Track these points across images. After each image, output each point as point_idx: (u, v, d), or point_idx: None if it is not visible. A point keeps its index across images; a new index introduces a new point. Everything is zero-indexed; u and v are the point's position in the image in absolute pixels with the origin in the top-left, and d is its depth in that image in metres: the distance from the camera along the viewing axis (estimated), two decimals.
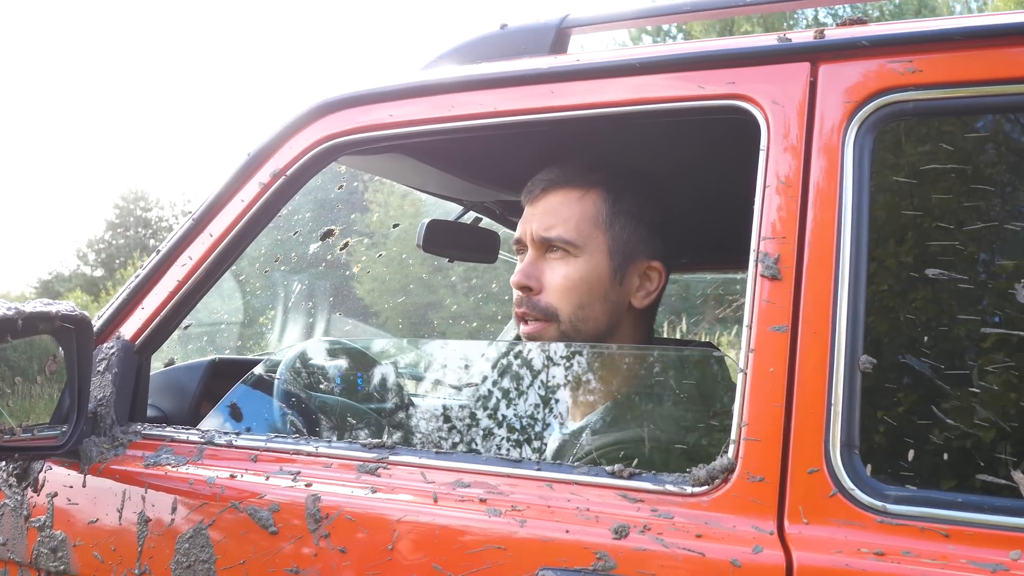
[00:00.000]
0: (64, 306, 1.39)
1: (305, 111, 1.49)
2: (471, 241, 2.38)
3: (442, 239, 2.28)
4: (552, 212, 1.50)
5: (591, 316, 1.47)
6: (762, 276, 1.13)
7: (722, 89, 1.23)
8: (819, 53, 1.19)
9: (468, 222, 2.41)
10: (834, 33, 1.20)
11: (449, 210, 2.41)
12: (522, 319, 1.50)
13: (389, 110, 1.44)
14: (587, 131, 1.53)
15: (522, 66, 1.36)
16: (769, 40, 1.23)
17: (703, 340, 1.76)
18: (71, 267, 42.80)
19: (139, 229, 41.83)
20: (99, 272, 40.74)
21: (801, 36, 1.22)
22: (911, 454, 1.05)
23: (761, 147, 1.19)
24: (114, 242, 41.80)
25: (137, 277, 1.57)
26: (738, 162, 1.71)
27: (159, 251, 1.57)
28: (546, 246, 1.50)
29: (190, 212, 1.57)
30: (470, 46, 1.51)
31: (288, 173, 1.49)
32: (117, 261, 38.66)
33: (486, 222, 2.47)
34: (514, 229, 2.51)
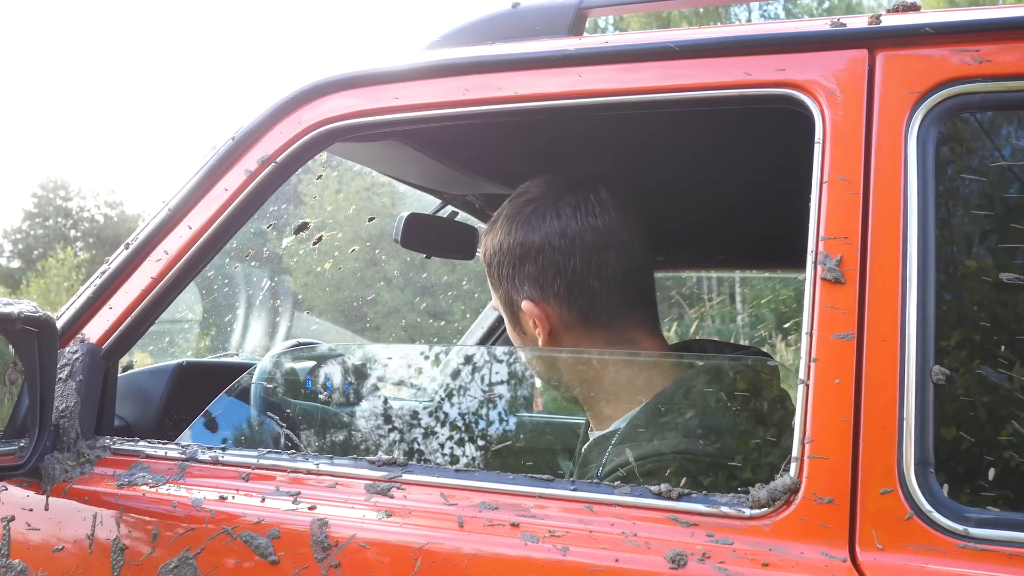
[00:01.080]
0: (25, 306, 1.23)
1: (298, 91, 1.35)
2: (449, 237, 2.26)
3: (420, 235, 2.15)
4: None
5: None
6: (823, 279, 1.04)
7: (771, 76, 1.13)
8: (877, 40, 1.11)
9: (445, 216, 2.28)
10: (892, 19, 1.12)
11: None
12: None
13: (395, 92, 1.31)
14: (614, 119, 1.42)
15: (546, 47, 1.25)
16: (821, 25, 1.14)
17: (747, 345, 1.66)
18: None
19: (59, 219, 40.36)
20: (16, 263, 39.15)
21: (856, 21, 1.13)
22: (991, 473, 0.98)
23: (816, 140, 1.10)
24: (32, 232, 40.25)
25: (103, 274, 1.41)
26: (770, 154, 1.65)
27: (128, 245, 1.41)
28: None
29: (164, 202, 1.41)
30: (479, 25, 1.39)
31: (278, 160, 1.35)
32: (36, 252, 37.22)
33: (463, 216, 2.35)
34: None
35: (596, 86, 1.21)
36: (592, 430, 1.41)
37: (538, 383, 3.35)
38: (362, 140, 1.52)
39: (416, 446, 1.40)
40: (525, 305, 1.37)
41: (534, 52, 1.24)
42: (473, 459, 1.31)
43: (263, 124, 1.37)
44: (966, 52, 1.06)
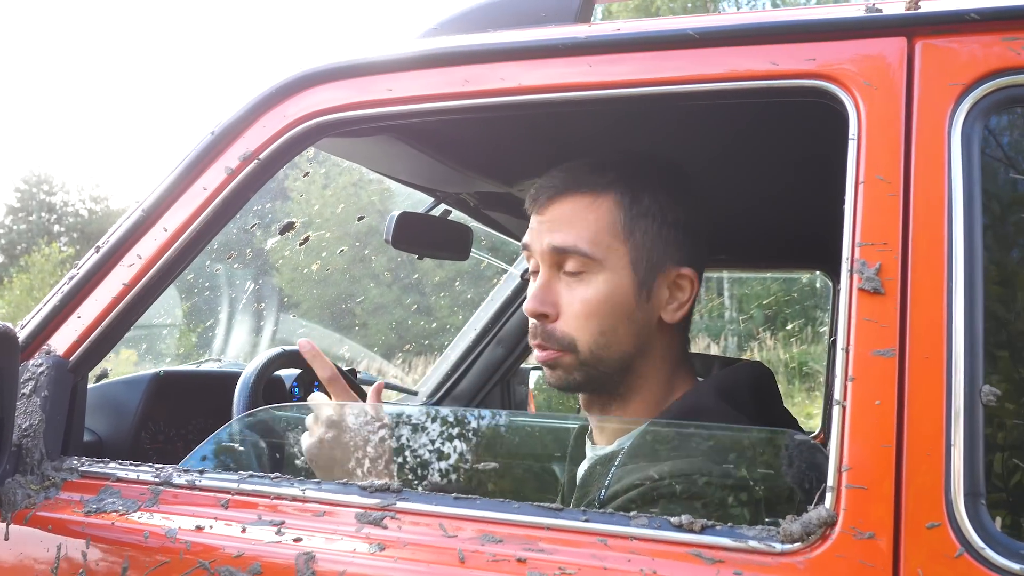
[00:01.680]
0: None
1: (283, 83, 1.25)
2: (442, 237, 2.15)
3: (412, 234, 2.04)
4: (563, 223, 1.26)
5: (614, 341, 1.25)
6: (860, 290, 0.95)
7: (800, 66, 1.04)
8: (916, 27, 1.01)
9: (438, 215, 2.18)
10: (933, 4, 1.02)
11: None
12: (537, 348, 1.29)
13: (389, 83, 1.20)
14: (626, 114, 1.33)
15: (553, 35, 1.15)
16: (855, 10, 1.05)
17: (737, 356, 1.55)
18: None
19: (42, 214, 39.97)
20: None
21: (893, 7, 1.04)
22: None
23: (850, 136, 1.00)
24: (15, 227, 39.84)
25: (71, 279, 1.30)
26: (798, 150, 1.55)
27: (99, 249, 1.30)
28: (560, 263, 1.26)
29: (138, 202, 1.31)
30: (479, 11, 1.29)
31: (261, 157, 1.25)
32: (19, 247, 36.85)
33: (456, 215, 2.25)
34: (489, 224, 2.31)
35: (607, 78, 1.11)
36: (593, 445, 1.32)
37: (532, 383, 3.26)
38: (352, 135, 1.42)
39: (412, 468, 1.30)
40: (687, 270, 1.29)
41: (539, 40, 1.14)
42: (471, 478, 1.21)
43: (245, 118, 1.26)
44: (1015, 40, 0.97)
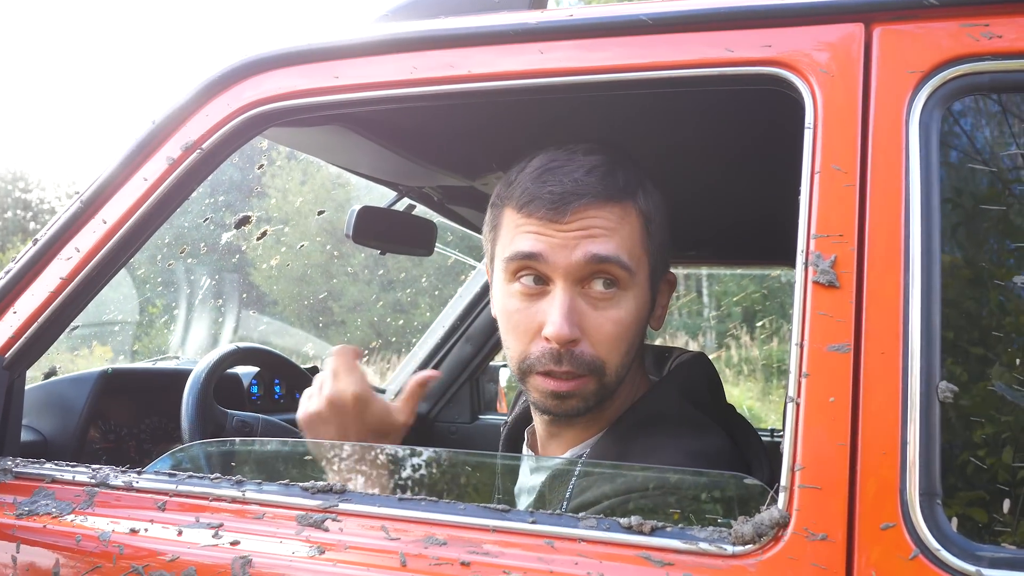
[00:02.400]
0: None
1: (227, 70, 1.20)
2: (406, 231, 2.11)
3: (374, 229, 2.00)
4: (603, 233, 1.12)
5: (630, 360, 1.17)
6: (815, 283, 0.92)
7: (756, 53, 1.01)
8: (874, 13, 0.98)
9: (401, 209, 2.14)
10: None
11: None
12: (562, 377, 1.13)
13: (335, 71, 1.16)
14: (579, 102, 1.29)
15: (504, 21, 1.11)
16: None
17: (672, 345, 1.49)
18: None
19: (18, 211, 39.52)
20: None
21: None
22: (1006, 504, 0.86)
23: (806, 124, 0.97)
24: None
25: (7, 273, 1.26)
26: (757, 140, 1.52)
27: (36, 242, 1.25)
28: (586, 281, 1.12)
29: (76, 193, 1.26)
30: None
31: (204, 147, 1.20)
32: None
33: (421, 210, 2.20)
34: (454, 219, 2.27)
35: (560, 64, 1.08)
36: (538, 457, 1.26)
37: (503, 381, 3.22)
38: (301, 124, 1.37)
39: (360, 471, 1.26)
40: (671, 275, 1.26)
41: (488, 27, 1.11)
42: (417, 484, 1.16)
43: (187, 107, 1.22)
44: (974, 27, 0.94)
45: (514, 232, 1.16)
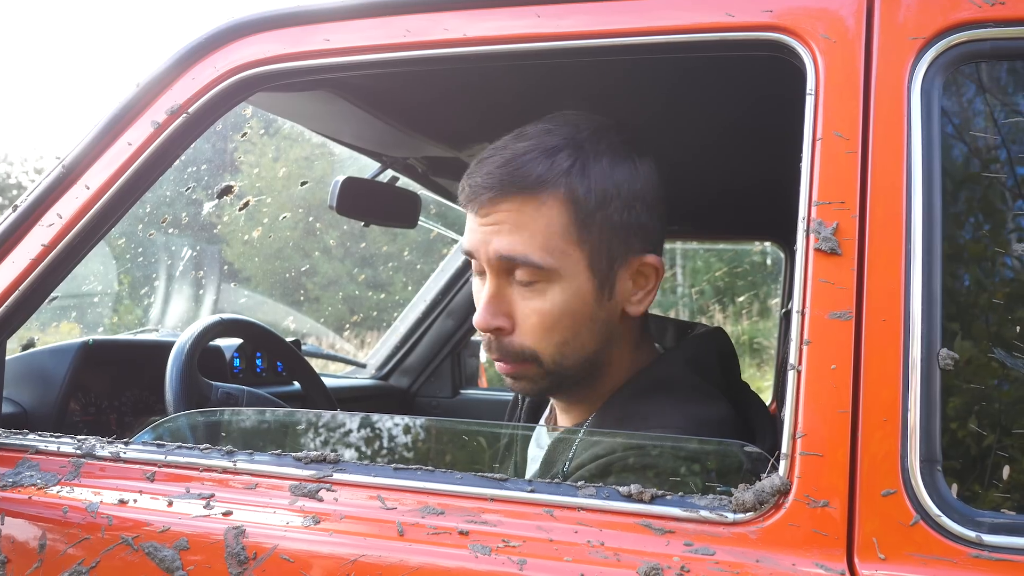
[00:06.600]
0: None
1: (213, 32, 1.18)
2: (389, 203, 2.08)
3: (357, 200, 1.96)
4: (509, 228, 1.11)
5: (578, 347, 1.15)
6: (816, 250, 0.91)
7: (757, 18, 0.99)
8: None
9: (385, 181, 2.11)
10: None
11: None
12: (496, 361, 1.18)
13: (324, 34, 1.14)
14: (578, 68, 1.27)
15: None
16: None
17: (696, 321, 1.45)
18: None
19: None
20: None
21: None
22: (1006, 471, 0.86)
23: (808, 90, 0.96)
24: None
25: None
26: (751, 110, 1.50)
27: (17, 208, 1.22)
28: (509, 270, 1.12)
29: (59, 159, 1.22)
30: None
31: (190, 111, 1.17)
32: None
33: (404, 181, 2.18)
34: (438, 191, 2.25)
35: (556, 29, 1.06)
36: (555, 423, 1.26)
37: (483, 356, 3.21)
38: (288, 90, 1.34)
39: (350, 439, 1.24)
40: (651, 258, 1.16)
41: None
42: (415, 453, 1.15)
43: (172, 70, 1.19)
44: None
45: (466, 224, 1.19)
